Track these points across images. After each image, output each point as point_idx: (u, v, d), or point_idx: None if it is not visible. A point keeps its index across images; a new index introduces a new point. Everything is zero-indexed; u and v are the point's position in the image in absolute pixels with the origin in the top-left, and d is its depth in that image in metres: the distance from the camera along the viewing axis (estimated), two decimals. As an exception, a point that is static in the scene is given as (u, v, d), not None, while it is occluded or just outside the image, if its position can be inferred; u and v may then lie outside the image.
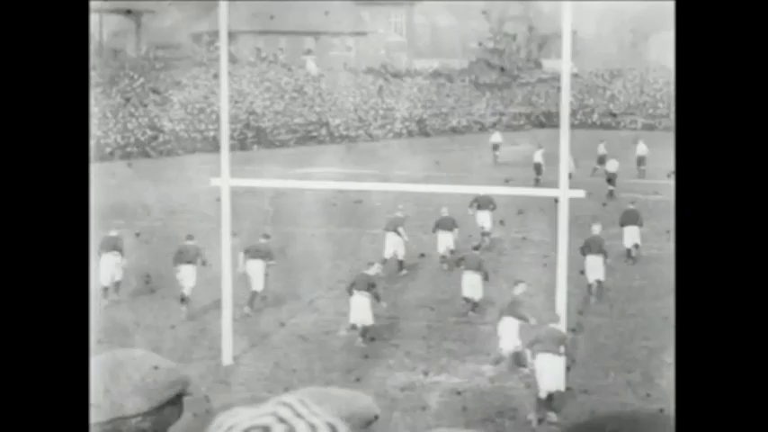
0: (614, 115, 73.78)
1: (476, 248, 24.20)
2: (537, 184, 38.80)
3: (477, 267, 22.56)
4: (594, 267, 23.12)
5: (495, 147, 55.81)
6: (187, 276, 22.24)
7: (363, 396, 2.64)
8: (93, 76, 66.12)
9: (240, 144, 56.15)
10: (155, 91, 66.35)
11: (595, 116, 76.02)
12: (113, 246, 23.37)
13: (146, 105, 63.86)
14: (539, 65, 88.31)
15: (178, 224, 30.17)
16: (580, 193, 16.38)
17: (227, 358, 18.14)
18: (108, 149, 56.54)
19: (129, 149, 58.05)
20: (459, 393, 16.71)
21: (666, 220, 23.26)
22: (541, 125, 70.75)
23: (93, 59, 68.56)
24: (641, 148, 48.30)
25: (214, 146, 46.30)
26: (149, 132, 60.42)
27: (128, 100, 64.25)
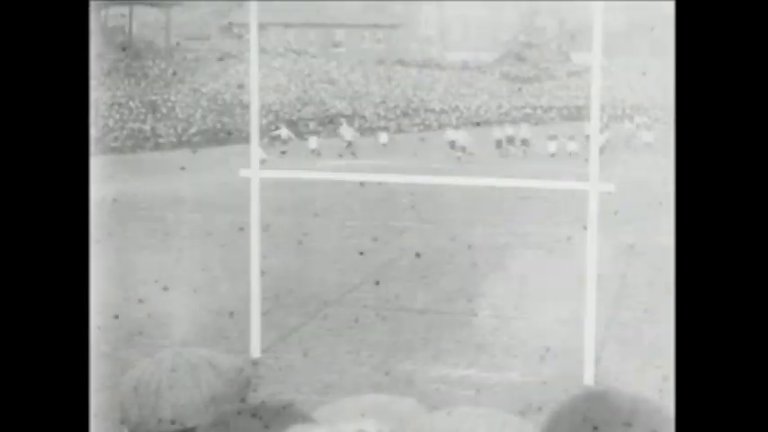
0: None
1: None
2: None
3: None
4: None
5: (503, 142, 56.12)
6: None
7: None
8: (123, 68, 66.48)
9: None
10: (183, 82, 66.64)
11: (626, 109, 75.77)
12: None
13: (174, 97, 64.15)
14: (569, 58, 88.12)
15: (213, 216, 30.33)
16: (610, 187, 16.28)
17: (255, 351, 18.20)
18: (130, 142, 56.83)
19: (159, 141, 58.31)
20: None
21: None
22: (572, 118, 70.60)
23: (124, 52, 68.90)
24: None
25: (244, 137, 46.48)
26: (178, 124, 60.67)
27: (156, 92, 64.53)
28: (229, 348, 17.37)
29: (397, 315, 19.61)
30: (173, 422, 2.40)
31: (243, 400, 2.53)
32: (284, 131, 57.49)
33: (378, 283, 20.91)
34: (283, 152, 52.56)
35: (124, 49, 68.81)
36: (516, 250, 25.70)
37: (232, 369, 2.55)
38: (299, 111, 66.79)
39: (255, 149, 17.49)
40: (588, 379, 15.93)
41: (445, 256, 24.90)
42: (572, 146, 52.52)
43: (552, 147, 53.19)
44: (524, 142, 56.14)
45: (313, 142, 54.94)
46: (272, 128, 57.87)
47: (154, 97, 63.14)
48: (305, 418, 2.15)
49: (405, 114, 71.50)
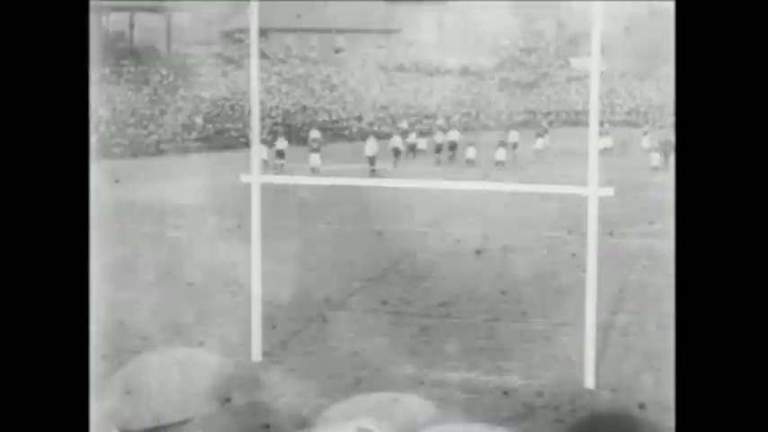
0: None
1: None
2: None
3: None
4: None
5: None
6: None
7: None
8: (124, 73, 66.51)
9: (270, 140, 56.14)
10: (185, 87, 66.71)
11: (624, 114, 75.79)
12: None
13: (176, 102, 64.20)
14: (568, 63, 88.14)
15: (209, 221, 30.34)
16: (609, 192, 16.29)
17: (256, 354, 18.22)
18: (133, 147, 56.88)
19: (161, 147, 58.31)
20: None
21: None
22: (571, 124, 70.56)
23: (124, 57, 68.94)
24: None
25: (244, 143, 46.56)
26: (180, 129, 60.68)
27: (158, 97, 64.56)
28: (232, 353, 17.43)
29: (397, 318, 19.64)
30: (163, 417, 2.45)
31: (229, 398, 2.57)
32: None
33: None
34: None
35: (125, 56, 68.87)
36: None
37: (219, 366, 2.59)
38: (299, 116, 66.76)
39: (256, 154, 17.52)
40: (589, 383, 15.97)
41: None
42: (500, 154, 49.94)
43: (470, 153, 50.82)
44: (412, 148, 55.62)
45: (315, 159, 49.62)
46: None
47: (155, 102, 63.15)
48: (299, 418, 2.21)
49: (404, 119, 71.47)
